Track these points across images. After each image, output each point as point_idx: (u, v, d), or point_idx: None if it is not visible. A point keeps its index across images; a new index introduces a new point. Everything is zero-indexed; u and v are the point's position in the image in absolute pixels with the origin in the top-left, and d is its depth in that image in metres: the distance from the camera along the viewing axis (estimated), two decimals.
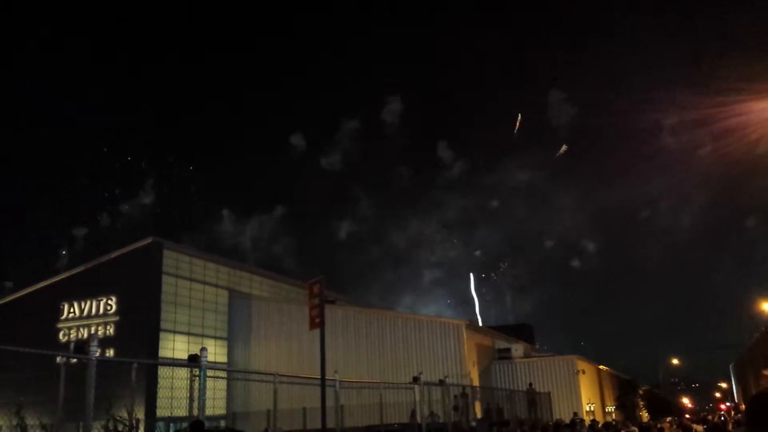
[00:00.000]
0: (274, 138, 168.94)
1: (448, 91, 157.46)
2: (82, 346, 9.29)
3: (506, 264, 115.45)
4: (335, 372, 15.53)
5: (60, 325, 43.03)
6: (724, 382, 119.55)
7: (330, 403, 13.87)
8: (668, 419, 37.83)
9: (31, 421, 11.90)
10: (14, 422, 11.10)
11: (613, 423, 33.18)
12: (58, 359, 10.24)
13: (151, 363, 18.71)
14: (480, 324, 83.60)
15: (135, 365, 11.10)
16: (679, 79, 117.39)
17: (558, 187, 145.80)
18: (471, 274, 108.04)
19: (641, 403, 61.90)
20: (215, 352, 42.90)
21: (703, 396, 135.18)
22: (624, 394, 58.65)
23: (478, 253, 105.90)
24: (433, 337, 40.82)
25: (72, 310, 43.21)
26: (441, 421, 21.84)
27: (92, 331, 40.82)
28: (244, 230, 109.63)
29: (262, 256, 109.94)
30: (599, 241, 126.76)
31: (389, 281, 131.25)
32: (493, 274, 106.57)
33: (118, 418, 10.42)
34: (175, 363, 23.44)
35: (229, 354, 46.05)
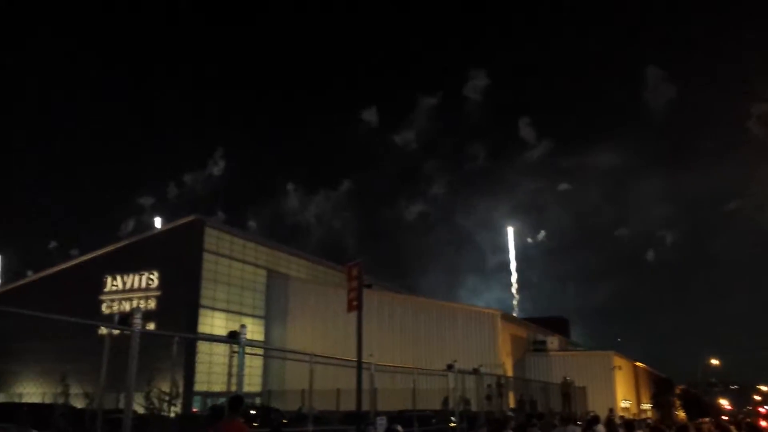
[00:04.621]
0: (348, 114, 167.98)
1: (534, 68, 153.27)
2: (126, 317, 9.49)
3: (573, 252, 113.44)
4: (370, 355, 15.62)
5: (103, 297, 44.09)
6: (764, 384, 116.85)
7: (364, 385, 13.97)
8: (706, 419, 37.16)
9: (74, 389, 12.22)
10: (59, 390, 11.39)
11: (648, 422, 32.77)
12: (102, 330, 10.49)
13: (192, 337, 19.05)
14: (519, 313, 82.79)
15: (176, 339, 11.31)
16: None
17: (641, 174, 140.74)
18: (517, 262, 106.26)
19: (678, 402, 60.92)
20: (252, 330, 43.50)
21: (741, 398, 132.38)
22: (660, 392, 57.81)
23: (542, 236, 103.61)
24: (468, 326, 40.76)
25: (115, 283, 44.23)
26: (473, 409, 21.83)
27: (134, 305, 41.74)
28: (307, 207, 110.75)
29: (323, 234, 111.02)
30: (675, 234, 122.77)
31: (454, 262, 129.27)
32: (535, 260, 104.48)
33: (161, 390, 10.66)
34: (214, 338, 23.78)
35: (266, 333, 46.69)
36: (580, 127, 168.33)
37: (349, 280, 14.46)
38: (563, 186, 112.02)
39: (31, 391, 30.95)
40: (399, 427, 13.10)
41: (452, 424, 18.83)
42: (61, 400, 11.03)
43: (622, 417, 32.46)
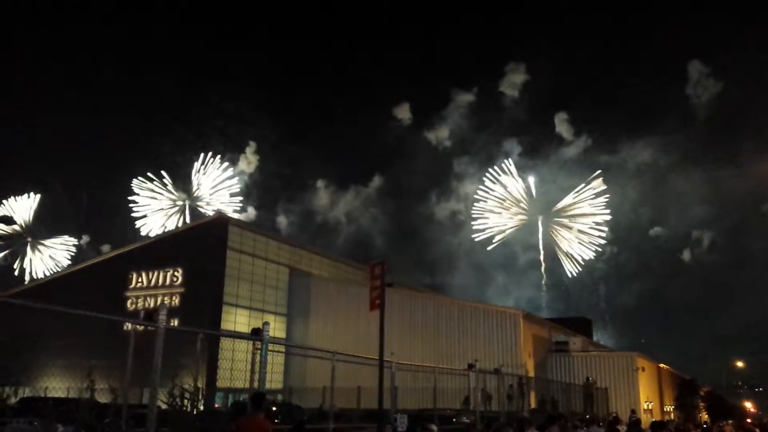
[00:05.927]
0: (380, 110, 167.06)
1: (572, 63, 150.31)
2: (151, 314, 9.61)
3: (606, 251, 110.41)
4: (391, 353, 15.66)
5: (128, 294, 44.63)
6: None
7: (385, 384, 14.01)
8: (729, 422, 36.69)
9: (99, 384, 12.38)
10: (84, 384, 11.55)
11: (670, 422, 32.46)
12: (128, 326, 10.65)
13: (216, 334, 19.24)
14: (550, 312, 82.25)
15: (201, 335, 11.43)
16: None
17: (680, 172, 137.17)
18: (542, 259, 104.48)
19: (702, 404, 60.19)
20: (274, 327, 43.68)
21: (767, 401, 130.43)
22: (684, 394, 57.14)
23: (575, 236, 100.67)
24: (490, 326, 40.64)
25: (140, 279, 44.74)
26: (494, 408, 21.81)
27: (158, 301, 42.22)
28: (337, 204, 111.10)
29: (353, 231, 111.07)
30: (712, 234, 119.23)
31: (485, 261, 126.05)
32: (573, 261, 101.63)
33: (183, 386, 10.78)
34: (238, 335, 23.99)
35: (288, 330, 46.96)
36: (619, 123, 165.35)
37: (371, 279, 14.50)
38: (603, 184, 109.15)
39: (56, 386, 31.38)
40: (433, 426, 13.07)
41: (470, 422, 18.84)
42: (86, 395, 11.17)
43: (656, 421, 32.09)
